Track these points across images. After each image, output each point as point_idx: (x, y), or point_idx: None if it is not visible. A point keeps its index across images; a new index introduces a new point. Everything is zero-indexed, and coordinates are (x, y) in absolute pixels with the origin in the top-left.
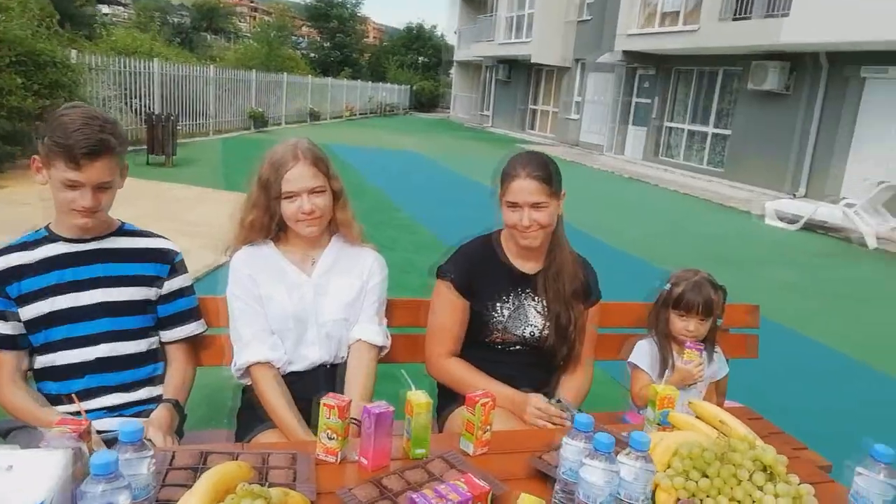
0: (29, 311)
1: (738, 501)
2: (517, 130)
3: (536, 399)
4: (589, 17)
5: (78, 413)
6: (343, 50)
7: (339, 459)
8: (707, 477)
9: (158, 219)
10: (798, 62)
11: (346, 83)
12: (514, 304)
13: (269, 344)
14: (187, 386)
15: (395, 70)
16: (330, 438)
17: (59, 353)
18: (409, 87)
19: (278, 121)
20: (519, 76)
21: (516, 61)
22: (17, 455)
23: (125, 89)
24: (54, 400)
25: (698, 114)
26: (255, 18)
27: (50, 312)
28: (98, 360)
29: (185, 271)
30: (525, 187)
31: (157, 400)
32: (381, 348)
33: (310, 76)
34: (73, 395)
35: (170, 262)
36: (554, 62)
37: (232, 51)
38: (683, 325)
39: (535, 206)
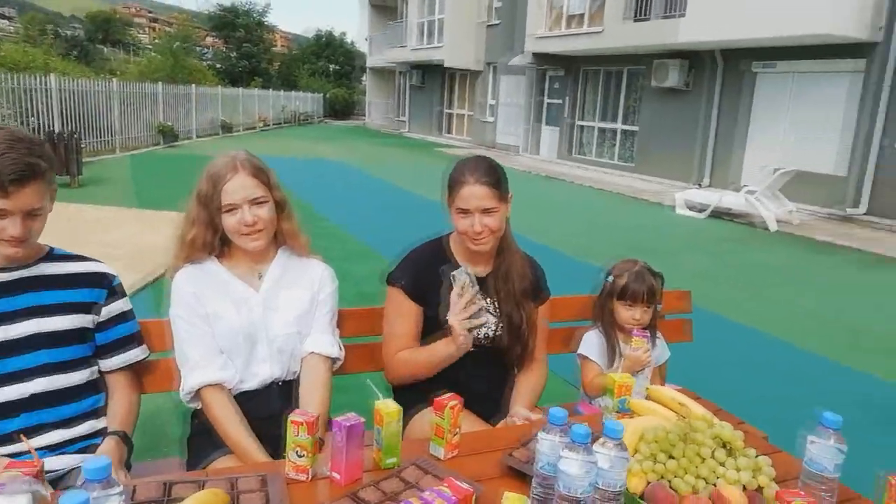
0: None
1: (704, 478)
2: (434, 134)
3: None
4: (498, 21)
5: (26, 453)
6: (251, 59)
7: (310, 477)
8: (673, 458)
9: (74, 242)
10: (696, 60)
11: (257, 93)
12: None
13: (219, 364)
14: (133, 415)
15: (306, 78)
16: (299, 456)
17: None
18: (322, 95)
19: (189, 134)
20: (433, 81)
21: (430, 66)
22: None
23: (20, 107)
24: None
25: (607, 112)
26: (155, 30)
27: None
28: (34, 395)
29: (124, 295)
30: (475, 193)
31: (101, 433)
32: (334, 360)
33: (220, 87)
34: (20, 434)
35: (107, 286)
36: (467, 66)
37: (134, 64)
38: (630, 314)
39: (486, 211)
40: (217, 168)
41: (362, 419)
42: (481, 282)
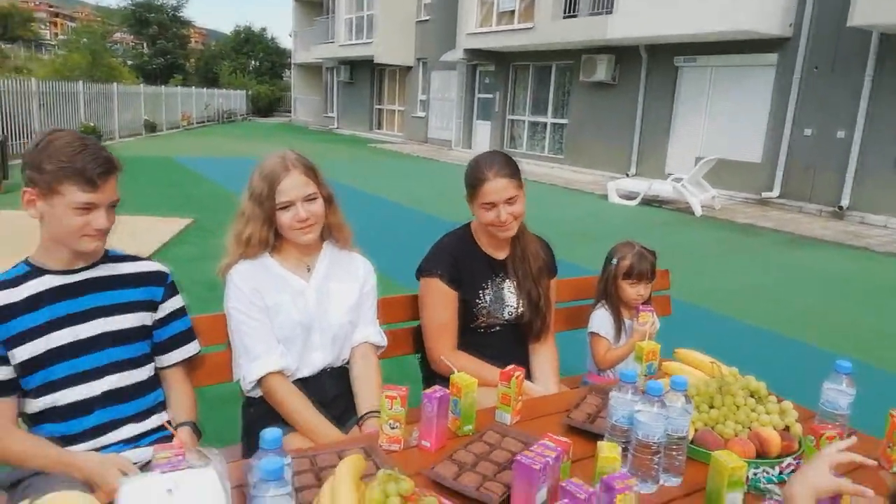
0: (22, 353)
1: (741, 423)
2: (366, 130)
3: None
4: (428, 17)
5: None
6: (166, 56)
7: (402, 446)
8: (714, 407)
9: (14, 251)
10: (622, 55)
11: (180, 90)
12: (493, 289)
13: (278, 353)
14: (195, 407)
15: (228, 75)
16: (393, 427)
17: (62, 391)
18: (245, 91)
19: (111, 135)
20: (363, 76)
21: (359, 62)
22: (169, 478)
23: None
24: (58, 443)
25: (538, 106)
26: (56, 24)
27: (48, 350)
28: (106, 393)
29: (178, 292)
30: (498, 187)
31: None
32: (379, 348)
33: (142, 85)
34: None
35: (163, 283)
36: (398, 62)
37: (40, 61)
38: (635, 290)
39: (509, 200)
40: (270, 168)
41: (448, 391)
42: (502, 264)
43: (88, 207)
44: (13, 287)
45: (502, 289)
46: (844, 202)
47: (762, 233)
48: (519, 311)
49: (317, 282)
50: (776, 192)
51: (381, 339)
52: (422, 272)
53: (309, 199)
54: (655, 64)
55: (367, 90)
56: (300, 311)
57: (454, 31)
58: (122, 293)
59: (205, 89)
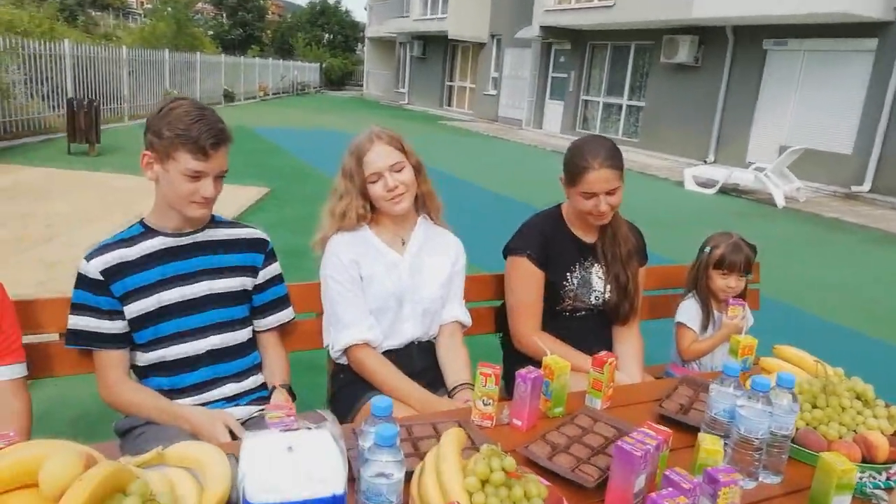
0: (135, 308)
1: (846, 425)
2: (436, 107)
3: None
4: None
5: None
6: (245, 27)
7: (493, 423)
8: (818, 408)
9: (108, 212)
10: (707, 36)
11: (258, 62)
12: (580, 272)
13: (368, 325)
14: (289, 371)
15: (303, 47)
16: (485, 404)
17: (170, 347)
18: (319, 64)
19: None
20: (435, 52)
21: (432, 37)
22: (288, 437)
23: (32, 73)
24: (165, 395)
25: (613, 87)
26: None
27: (159, 307)
28: (209, 351)
29: (276, 259)
30: (602, 177)
31: (263, 387)
32: (465, 327)
33: (222, 55)
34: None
35: (264, 250)
36: (471, 38)
37: (138, 30)
38: (725, 282)
39: (610, 192)
40: (357, 143)
41: (542, 372)
42: (591, 248)
43: (198, 175)
44: (129, 246)
45: (590, 273)
46: None
47: (850, 229)
48: (606, 296)
49: (411, 255)
50: (867, 187)
51: (468, 319)
52: (510, 251)
53: (396, 168)
54: (742, 46)
55: (439, 66)
56: (394, 282)
57: (530, 7)
58: (227, 257)
59: (280, 61)
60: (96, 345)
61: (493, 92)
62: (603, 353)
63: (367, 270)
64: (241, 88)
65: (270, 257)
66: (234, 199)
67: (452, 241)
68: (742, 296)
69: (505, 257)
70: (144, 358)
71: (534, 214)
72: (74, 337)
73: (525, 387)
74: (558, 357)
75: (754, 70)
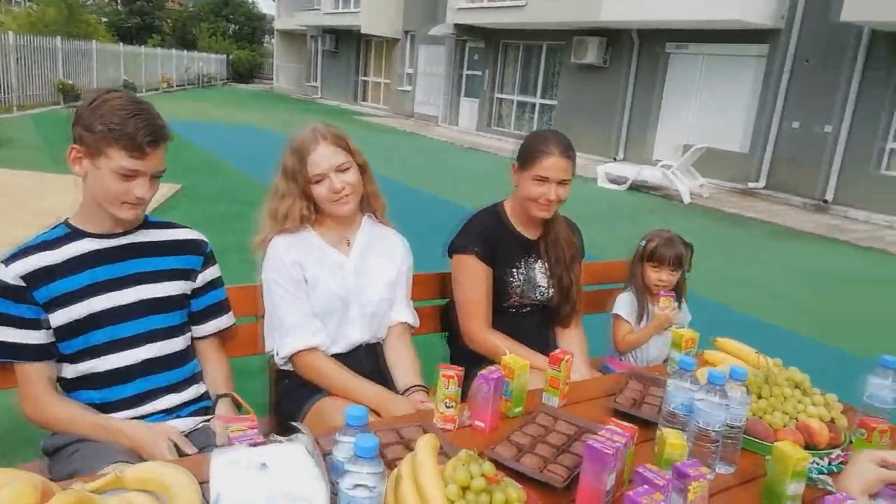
0: (61, 316)
1: (788, 413)
2: (349, 102)
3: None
4: None
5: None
6: (143, 16)
7: (456, 426)
8: (762, 398)
9: (9, 209)
10: (614, 38)
11: (160, 52)
12: (524, 268)
13: (313, 329)
14: (232, 378)
15: (207, 38)
16: (448, 407)
17: (102, 357)
18: (224, 56)
19: None
20: (347, 47)
21: (344, 31)
22: (260, 453)
23: None
24: (98, 410)
25: (527, 86)
26: None
27: (89, 315)
28: (145, 361)
29: (215, 262)
30: (559, 165)
31: (205, 397)
32: (412, 328)
33: (121, 44)
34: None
35: (202, 252)
36: (384, 33)
37: (20, 13)
38: (657, 275)
39: (561, 182)
40: (299, 142)
41: (502, 372)
42: (534, 245)
43: (132, 175)
44: (53, 249)
45: (534, 269)
46: (829, 196)
47: (750, 223)
48: (549, 292)
49: (356, 256)
50: (762, 183)
51: (416, 320)
52: (455, 249)
53: (342, 168)
54: (647, 49)
55: (352, 61)
56: (339, 284)
57: (444, 4)
58: (162, 260)
59: (185, 52)
60: (18, 358)
61: (408, 88)
62: (559, 350)
63: (311, 273)
64: (142, 80)
65: (209, 260)
66: None
67: (399, 241)
68: (677, 290)
69: (450, 255)
70: (73, 370)
71: (476, 212)
72: None
73: (487, 387)
74: (517, 356)
75: (658, 72)
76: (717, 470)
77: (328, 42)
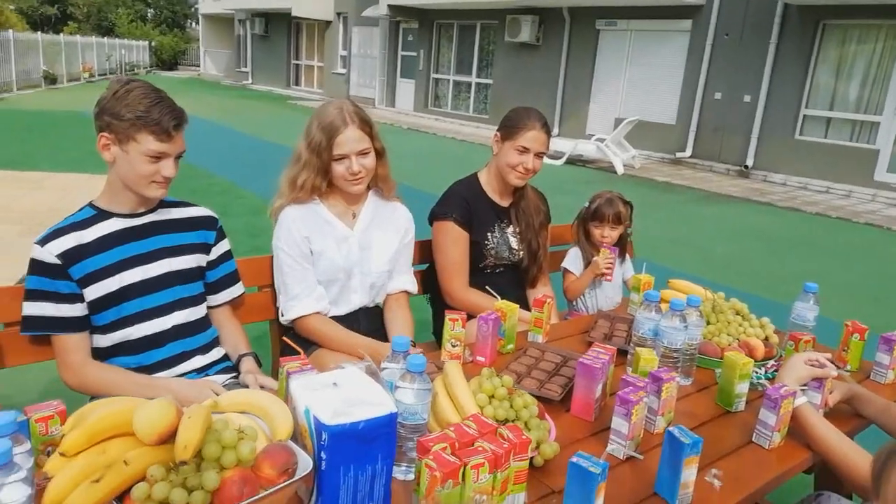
0: (96, 290)
1: (732, 335)
2: (282, 87)
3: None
4: None
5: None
6: (56, 4)
7: (461, 363)
8: (710, 323)
9: None
10: (546, 16)
11: (80, 40)
12: (498, 232)
13: (316, 296)
14: (248, 340)
15: (127, 24)
16: (453, 346)
17: (135, 326)
18: (147, 43)
19: (8, 87)
20: (278, 30)
21: (274, 14)
22: (331, 375)
23: None
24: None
25: (462, 65)
26: None
27: (121, 288)
28: (175, 327)
29: (226, 236)
30: (539, 138)
31: (226, 358)
32: (411, 294)
33: (39, 33)
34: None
35: (215, 228)
36: (316, 16)
37: None
38: (599, 231)
39: (538, 154)
40: (330, 120)
41: (497, 314)
42: (506, 211)
43: (160, 156)
44: (83, 229)
45: (506, 233)
46: (749, 162)
47: (679, 190)
48: (520, 254)
49: (361, 230)
50: (688, 153)
51: (415, 287)
52: (436, 216)
53: (363, 153)
54: (578, 26)
55: (284, 44)
56: (343, 257)
57: None
58: (182, 236)
59: (105, 39)
60: (57, 330)
61: (343, 71)
62: (541, 294)
63: (317, 245)
64: (63, 70)
65: (221, 234)
66: (87, 189)
67: (403, 213)
68: (621, 245)
69: (430, 223)
70: (107, 339)
71: (454, 183)
72: (31, 324)
73: (487, 327)
74: (508, 301)
75: (589, 48)
76: (679, 382)
77: (258, 26)
